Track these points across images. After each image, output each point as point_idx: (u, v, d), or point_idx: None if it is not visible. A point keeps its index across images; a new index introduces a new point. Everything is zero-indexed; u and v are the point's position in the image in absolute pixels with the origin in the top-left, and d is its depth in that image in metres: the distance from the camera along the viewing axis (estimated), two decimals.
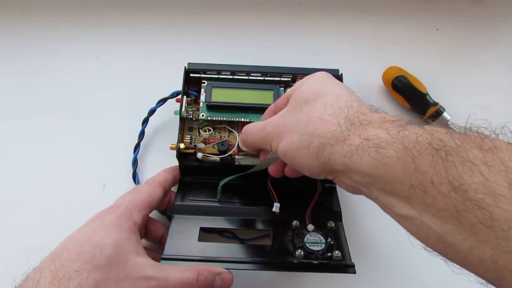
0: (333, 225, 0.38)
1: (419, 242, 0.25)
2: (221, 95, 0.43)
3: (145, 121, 0.46)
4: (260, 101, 0.43)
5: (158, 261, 0.33)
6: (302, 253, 0.35)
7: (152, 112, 0.46)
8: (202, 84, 0.44)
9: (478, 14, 0.57)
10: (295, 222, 0.38)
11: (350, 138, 0.27)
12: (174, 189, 0.42)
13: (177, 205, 0.40)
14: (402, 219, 0.26)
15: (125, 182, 0.44)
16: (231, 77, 0.44)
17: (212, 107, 0.43)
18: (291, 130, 0.31)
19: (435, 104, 0.48)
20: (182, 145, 0.41)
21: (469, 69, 0.53)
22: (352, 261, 0.34)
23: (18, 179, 0.45)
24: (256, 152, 0.38)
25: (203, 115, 0.43)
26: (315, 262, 0.34)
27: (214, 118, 0.43)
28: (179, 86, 0.44)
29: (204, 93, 0.44)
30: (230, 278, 0.33)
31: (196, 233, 0.37)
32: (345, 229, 0.38)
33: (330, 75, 0.35)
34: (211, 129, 0.43)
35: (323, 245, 0.35)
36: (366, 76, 0.51)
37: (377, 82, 0.52)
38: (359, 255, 0.36)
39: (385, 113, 0.29)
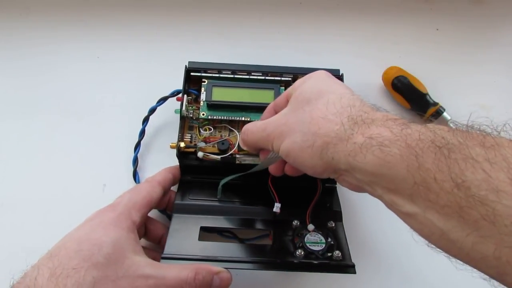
0: (333, 225, 0.38)
1: (422, 239, 0.25)
2: (222, 94, 0.43)
3: (145, 120, 0.46)
4: (260, 100, 0.43)
5: (158, 261, 0.33)
6: (302, 253, 0.35)
7: (152, 111, 0.46)
8: (203, 83, 0.44)
9: (478, 14, 0.57)
10: (295, 222, 0.38)
11: (353, 137, 0.27)
12: (174, 188, 0.42)
13: (178, 204, 0.39)
14: (405, 217, 0.26)
15: (125, 181, 0.44)
16: (231, 76, 0.44)
17: (213, 106, 0.43)
18: (294, 129, 0.31)
19: (435, 104, 0.48)
20: (182, 144, 0.41)
21: (469, 69, 0.54)
22: (352, 261, 0.34)
23: (18, 179, 0.45)
24: (257, 151, 0.38)
25: (203, 114, 0.43)
26: (315, 262, 0.34)
27: (214, 117, 0.43)
28: (179, 86, 0.44)
29: (205, 92, 0.44)
30: (228, 277, 0.33)
31: (196, 232, 0.37)
32: (345, 229, 0.38)
33: (330, 74, 0.35)
34: (212, 128, 0.43)
35: (323, 245, 0.35)
36: (366, 76, 0.51)
37: (377, 82, 0.52)
38: (359, 255, 0.36)
39: (386, 112, 0.29)
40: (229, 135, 0.43)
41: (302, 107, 0.32)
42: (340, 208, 0.40)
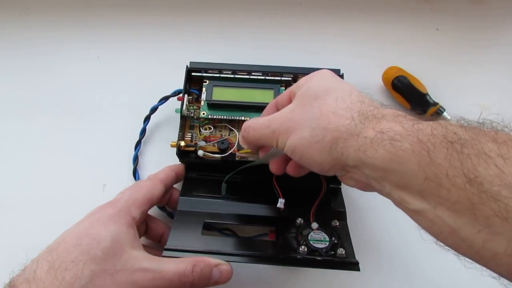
0: (337, 224, 0.38)
1: (431, 237, 0.25)
2: (222, 94, 0.43)
3: (146, 119, 0.46)
4: (260, 100, 0.43)
5: None
6: (305, 249, 0.35)
7: (154, 110, 0.46)
8: (204, 83, 0.44)
9: (478, 14, 0.57)
10: (299, 220, 0.38)
11: (364, 132, 0.27)
12: (177, 186, 0.42)
13: (182, 199, 0.40)
14: (415, 214, 0.25)
15: (125, 182, 0.44)
16: (232, 76, 0.45)
17: (213, 105, 0.43)
18: (302, 125, 0.30)
19: (435, 104, 0.48)
20: (182, 143, 0.41)
21: (469, 69, 0.53)
22: (356, 259, 0.34)
23: (18, 179, 0.45)
24: (257, 149, 0.38)
25: (204, 114, 0.43)
26: (318, 258, 0.34)
27: (214, 117, 0.43)
28: (179, 86, 0.44)
29: (205, 92, 0.44)
30: (228, 269, 0.33)
31: (199, 227, 0.37)
32: (349, 229, 0.38)
33: (334, 73, 0.34)
34: (212, 127, 0.43)
35: (327, 243, 0.35)
36: (366, 76, 0.51)
37: (377, 82, 0.52)
38: (363, 254, 0.36)
39: (395, 109, 0.29)
40: (229, 135, 0.43)
41: (310, 103, 0.31)
42: (345, 208, 0.40)
